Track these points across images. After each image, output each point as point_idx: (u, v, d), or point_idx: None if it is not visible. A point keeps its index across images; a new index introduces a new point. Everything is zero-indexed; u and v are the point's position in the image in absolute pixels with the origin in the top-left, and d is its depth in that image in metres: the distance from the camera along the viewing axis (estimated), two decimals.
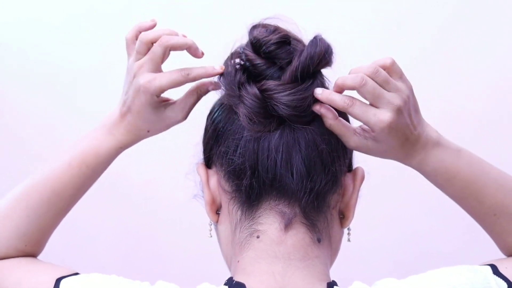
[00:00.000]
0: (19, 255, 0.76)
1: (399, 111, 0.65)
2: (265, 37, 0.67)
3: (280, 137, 0.65)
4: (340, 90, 0.66)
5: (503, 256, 0.75)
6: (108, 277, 0.68)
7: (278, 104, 0.65)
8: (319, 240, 0.67)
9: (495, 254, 0.76)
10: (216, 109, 0.71)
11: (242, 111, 0.65)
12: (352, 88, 0.66)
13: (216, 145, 0.69)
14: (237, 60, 0.68)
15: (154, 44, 0.69)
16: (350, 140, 0.67)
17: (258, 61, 0.67)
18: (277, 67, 0.67)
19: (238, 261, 0.67)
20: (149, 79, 0.69)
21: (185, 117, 0.73)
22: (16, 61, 1.49)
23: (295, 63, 0.66)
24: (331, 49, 0.68)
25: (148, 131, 0.74)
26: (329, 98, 0.65)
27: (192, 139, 0.74)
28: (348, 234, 0.72)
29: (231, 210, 0.69)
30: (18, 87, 1.49)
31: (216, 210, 0.71)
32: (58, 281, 0.69)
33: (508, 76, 1.41)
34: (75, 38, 1.47)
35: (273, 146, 0.65)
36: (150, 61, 0.69)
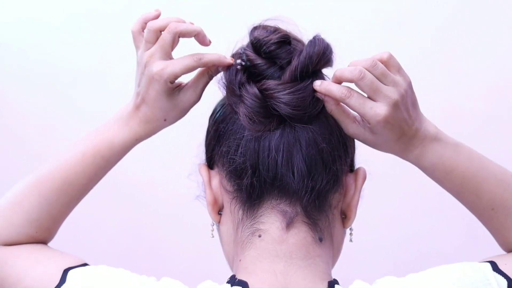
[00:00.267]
0: (30, 241, 0.76)
1: (395, 105, 0.65)
2: (266, 37, 0.68)
3: (280, 136, 0.66)
4: (338, 82, 0.67)
5: (503, 252, 0.75)
6: (115, 270, 0.68)
7: (279, 103, 0.65)
8: (320, 239, 0.67)
9: (495, 253, 0.76)
10: (218, 110, 0.72)
11: (242, 110, 0.66)
12: (350, 81, 0.66)
13: (217, 145, 0.70)
14: (238, 61, 0.68)
15: (162, 32, 0.69)
16: (349, 127, 0.68)
17: (259, 61, 0.68)
18: (278, 67, 0.68)
19: (240, 260, 0.67)
20: (162, 67, 0.69)
21: (199, 98, 0.73)
22: (16, 61, 1.49)
23: (294, 62, 0.67)
24: (331, 49, 0.68)
25: (165, 120, 0.74)
26: (327, 89, 0.66)
27: (194, 140, 0.74)
28: (350, 234, 0.73)
29: (232, 210, 0.69)
30: (18, 87, 1.49)
31: (218, 210, 0.72)
32: (65, 271, 0.69)
33: (508, 76, 1.42)
34: (75, 38, 1.47)
35: (274, 145, 0.65)
36: (161, 49, 0.69)
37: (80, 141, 0.76)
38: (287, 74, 0.67)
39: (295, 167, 0.65)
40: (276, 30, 0.69)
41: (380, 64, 0.66)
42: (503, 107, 1.42)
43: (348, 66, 0.67)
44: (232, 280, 0.65)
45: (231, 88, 0.68)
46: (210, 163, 0.72)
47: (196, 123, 0.74)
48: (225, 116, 0.69)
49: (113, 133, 0.75)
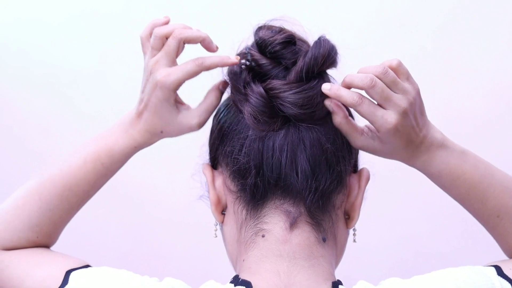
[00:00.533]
0: (31, 246, 0.76)
1: (405, 114, 0.65)
2: (271, 37, 0.68)
3: (285, 136, 0.66)
4: (347, 87, 0.67)
5: (505, 257, 0.75)
6: (118, 271, 0.68)
7: (284, 103, 0.65)
8: (324, 240, 0.67)
9: (495, 254, 0.76)
10: (222, 110, 0.72)
11: (247, 110, 0.66)
12: (360, 88, 0.66)
13: (221, 145, 0.70)
14: (243, 61, 0.68)
15: (168, 39, 0.70)
16: (357, 140, 0.68)
17: (264, 61, 0.68)
18: (282, 67, 0.68)
19: (243, 260, 0.67)
20: (165, 74, 0.69)
21: (200, 124, 0.72)
22: (16, 61, 1.49)
23: (300, 63, 0.67)
24: (336, 50, 0.68)
25: (162, 132, 0.74)
26: (337, 94, 0.65)
27: (197, 140, 0.74)
28: (354, 235, 0.73)
29: (236, 210, 0.69)
30: (18, 87, 1.49)
31: (222, 210, 0.72)
32: (68, 273, 0.69)
33: (508, 76, 1.41)
34: (75, 38, 1.47)
35: (278, 145, 0.65)
36: (165, 56, 0.70)
37: (82, 146, 0.76)
38: (292, 75, 0.67)
39: (299, 167, 0.65)
40: (281, 30, 0.69)
41: (391, 71, 0.66)
42: (504, 107, 1.42)
43: (358, 72, 0.67)
44: (236, 280, 0.65)
45: (236, 87, 0.68)
46: (214, 163, 0.72)
47: None
48: (229, 115, 0.69)
49: (114, 139, 0.75)
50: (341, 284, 0.65)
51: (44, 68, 1.48)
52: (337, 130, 0.68)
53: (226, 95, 0.73)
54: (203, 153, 0.73)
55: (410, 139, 0.68)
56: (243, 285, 0.64)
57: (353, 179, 0.71)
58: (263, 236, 0.66)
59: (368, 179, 0.72)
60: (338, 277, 0.67)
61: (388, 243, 1.46)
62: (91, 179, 0.75)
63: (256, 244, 0.66)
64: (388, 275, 0.68)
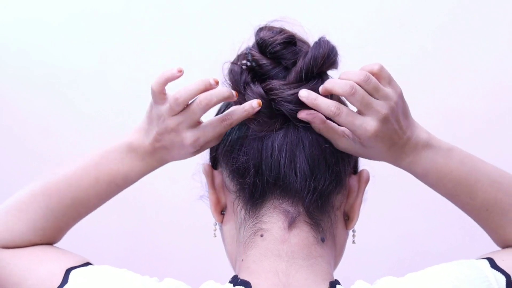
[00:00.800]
0: (33, 245, 0.75)
1: (385, 119, 0.65)
2: (271, 37, 0.68)
3: (284, 136, 0.66)
4: (328, 93, 0.66)
5: (498, 248, 0.75)
6: (118, 270, 0.68)
7: (284, 103, 0.66)
8: (323, 240, 0.67)
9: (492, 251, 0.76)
10: (222, 109, 0.72)
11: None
12: (341, 95, 0.66)
13: (221, 144, 0.70)
14: (243, 61, 0.68)
15: (193, 104, 0.66)
16: (339, 142, 0.67)
17: (264, 61, 0.68)
18: (282, 67, 0.68)
19: (242, 260, 0.67)
20: (194, 139, 0.67)
21: (220, 141, 0.70)
22: (16, 61, 1.49)
23: (299, 64, 0.67)
24: (336, 51, 0.68)
25: (183, 159, 0.73)
26: (314, 104, 0.65)
27: None
28: (353, 236, 0.73)
29: (235, 210, 0.69)
30: (18, 87, 1.49)
31: (221, 210, 0.72)
32: (68, 271, 0.69)
33: (508, 76, 1.41)
34: (75, 38, 1.47)
35: (277, 145, 0.66)
36: (190, 120, 0.67)
37: (90, 163, 0.74)
38: (292, 75, 0.67)
39: (298, 167, 0.65)
40: (281, 31, 0.69)
41: (373, 78, 0.66)
42: (504, 107, 1.42)
43: (340, 77, 0.67)
44: (235, 280, 0.65)
45: (236, 88, 0.69)
46: (214, 163, 0.73)
47: None
48: None
49: (127, 166, 0.73)
50: (339, 284, 0.65)
51: (44, 68, 1.48)
52: None
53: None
54: (204, 153, 0.73)
55: (393, 142, 0.67)
56: (242, 285, 0.64)
57: (353, 180, 0.71)
58: (261, 235, 0.66)
59: (367, 180, 0.72)
60: (337, 277, 0.67)
61: (387, 243, 1.46)
62: (103, 195, 0.75)
63: (255, 244, 0.66)
64: (388, 275, 0.68)
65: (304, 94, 0.65)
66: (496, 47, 1.41)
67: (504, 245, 0.74)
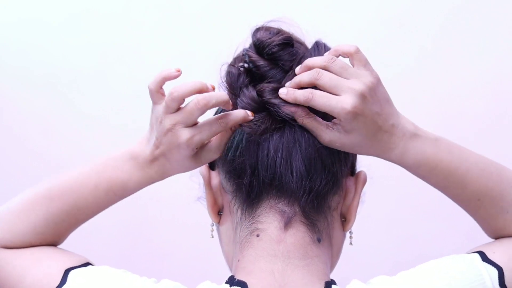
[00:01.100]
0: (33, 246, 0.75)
1: (362, 96, 0.63)
2: (268, 38, 0.68)
3: (280, 136, 0.66)
4: (299, 87, 0.66)
5: (490, 240, 0.75)
6: (117, 271, 0.68)
7: (279, 105, 0.66)
8: (319, 240, 0.67)
9: None
10: (220, 111, 0.72)
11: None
12: (309, 83, 0.65)
13: None
14: (241, 64, 0.68)
15: (191, 104, 0.65)
16: (324, 134, 0.66)
17: (261, 62, 0.68)
18: (280, 69, 0.68)
19: (238, 260, 0.67)
20: (189, 136, 0.65)
21: (221, 155, 0.69)
22: (16, 61, 1.49)
23: (295, 68, 0.67)
24: None
25: (183, 171, 0.71)
26: (293, 97, 0.65)
27: None
28: (350, 237, 0.73)
29: (232, 210, 0.69)
30: (18, 87, 1.49)
31: (218, 211, 0.72)
32: (66, 272, 0.69)
33: (508, 76, 1.41)
34: (75, 38, 1.47)
35: (273, 145, 0.66)
36: (187, 119, 0.65)
37: (93, 170, 0.74)
38: (288, 79, 0.67)
39: (294, 167, 0.65)
40: (279, 32, 0.69)
41: (337, 58, 0.66)
42: (504, 107, 1.42)
43: (305, 64, 0.66)
44: (231, 280, 0.65)
45: (232, 90, 0.69)
46: (211, 164, 0.73)
47: None
48: None
49: (127, 174, 0.72)
50: (335, 284, 0.65)
51: (44, 68, 1.48)
52: None
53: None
54: None
55: (377, 126, 0.65)
56: (239, 286, 0.64)
57: (350, 181, 0.71)
58: (257, 235, 0.66)
59: (365, 182, 0.71)
60: (335, 278, 0.67)
61: (386, 245, 1.46)
62: (101, 203, 0.74)
63: (251, 244, 0.66)
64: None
65: (283, 91, 0.66)
66: (496, 47, 1.41)
67: (495, 235, 0.74)
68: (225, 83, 0.70)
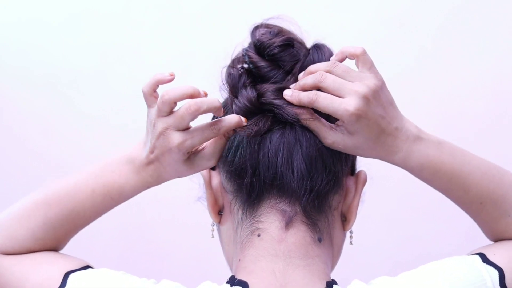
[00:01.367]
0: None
1: (365, 98, 0.64)
2: (269, 39, 0.68)
3: (281, 136, 0.66)
4: (303, 89, 0.66)
5: (490, 242, 0.75)
6: (116, 273, 0.68)
7: (280, 107, 0.66)
8: (319, 240, 0.67)
9: None
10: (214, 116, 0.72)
11: (234, 112, 0.67)
12: (314, 86, 0.66)
13: None
14: (239, 65, 0.69)
15: (182, 108, 0.65)
16: (327, 135, 0.66)
17: (262, 63, 0.68)
18: (280, 70, 0.68)
19: (239, 260, 0.67)
20: (180, 141, 0.65)
21: (216, 162, 0.69)
22: (16, 61, 1.49)
23: (295, 70, 0.68)
24: (332, 56, 0.69)
25: (178, 176, 0.71)
26: (298, 99, 0.65)
27: None
28: (350, 237, 0.73)
29: (233, 210, 0.69)
30: (18, 87, 1.49)
31: (219, 210, 0.72)
32: (66, 275, 0.69)
33: (508, 76, 1.41)
34: (75, 38, 1.47)
35: (274, 145, 0.66)
36: (178, 124, 0.65)
37: (91, 175, 0.74)
38: (291, 80, 0.68)
39: (295, 167, 0.65)
40: (279, 32, 0.69)
41: (340, 63, 0.66)
42: (504, 107, 1.42)
43: (307, 70, 0.67)
44: (232, 280, 0.65)
45: (231, 91, 0.69)
46: None
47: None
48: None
49: (124, 179, 0.72)
50: (336, 283, 0.65)
51: (44, 68, 1.48)
52: None
53: (224, 96, 0.73)
54: None
55: (381, 129, 0.66)
56: (240, 285, 0.64)
57: (350, 181, 0.71)
58: (258, 235, 0.66)
59: (365, 181, 0.71)
60: (336, 278, 0.67)
61: (386, 245, 1.46)
62: (99, 208, 0.74)
63: (252, 244, 0.66)
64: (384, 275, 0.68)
65: (288, 93, 0.66)
66: (496, 47, 1.41)
67: (495, 238, 0.74)
68: (226, 84, 0.70)
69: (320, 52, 0.69)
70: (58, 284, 0.68)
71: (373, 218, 1.30)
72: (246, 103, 0.66)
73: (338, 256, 0.73)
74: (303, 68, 0.68)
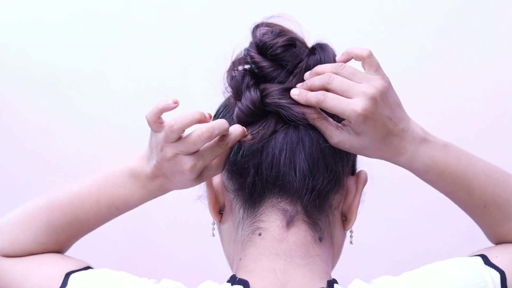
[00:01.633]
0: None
1: (373, 99, 0.64)
2: (272, 39, 0.68)
3: (284, 135, 0.66)
4: (310, 89, 0.67)
5: (491, 244, 0.75)
6: (117, 273, 0.68)
7: (284, 107, 0.66)
8: (320, 239, 0.67)
9: None
10: (221, 111, 0.72)
11: (236, 115, 0.67)
12: (321, 87, 0.66)
13: None
14: (240, 67, 0.69)
15: (194, 135, 0.64)
16: (333, 134, 0.66)
17: (265, 63, 0.68)
18: (283, 70, 0.68)
19: (240, 259, 0.67)
20: (192, 164, 0.66)
21: (223, 170, 0.70)
22: (16, 61, 1.49)
23: (299, 70, 0.68)
24: (335, 56, 0.69)
25: (185, 188, 0.71)
26: (305, 98, 0.66)
27: None
28: (351, 236, 0.73)
29: (234, 209, 0.69)
30: (18, 87, 1.49)
31: (219, 209, 0.72)
32: (67, 275, 0.69)
33: (508, 76, 1.41)
34: (75, 38, 1.47)
35: (277, 144, 0.66)
36: (190, 149, 0.65)
37: (92, 185, 0.74)
38: (294, 80, 0.68)
39: (298, 166, 0.65)
40: (281, 31, 0.69)
41: (347, 65, 0.67)
42: (504, 107, 1.42)
43: (315, 71, 0.67)
44: (233, 279, 0.65)
45: (234, 92, 0.69)
46: None
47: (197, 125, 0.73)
48: (228, 116, 0.70)
49: (130, 192, 0.72)
50: (337, 283, 0.65)
51: (44, 68, 1.48)
52: None
53: (224, 97, 0.73)
54: None
55: (387, 130, 0.66)
56: (240, 284, 0.64)
57: (351, 181, 0.71)
58: (259, 234, 0.66)
59: (365, 181, 0.72)
60: (336, 277, 0.67)
61: (387, 245, 1.46)
62: (103, 217, 0.74)
63: (253, 243, 0.67)
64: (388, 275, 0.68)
65: (296, 92, 0.66)
66: (496, 47, 1.41)
67: (498, 241, 0.74)
68: (229, 88, 0.70)
69: (324, 52, 0.69)
70: (59, 285, 0.68)
71: (373, 218, 1.30)
72: (249, 105, 0.67)
73: (338, 255, 0.73)
74: (307, 68, 0.68)
